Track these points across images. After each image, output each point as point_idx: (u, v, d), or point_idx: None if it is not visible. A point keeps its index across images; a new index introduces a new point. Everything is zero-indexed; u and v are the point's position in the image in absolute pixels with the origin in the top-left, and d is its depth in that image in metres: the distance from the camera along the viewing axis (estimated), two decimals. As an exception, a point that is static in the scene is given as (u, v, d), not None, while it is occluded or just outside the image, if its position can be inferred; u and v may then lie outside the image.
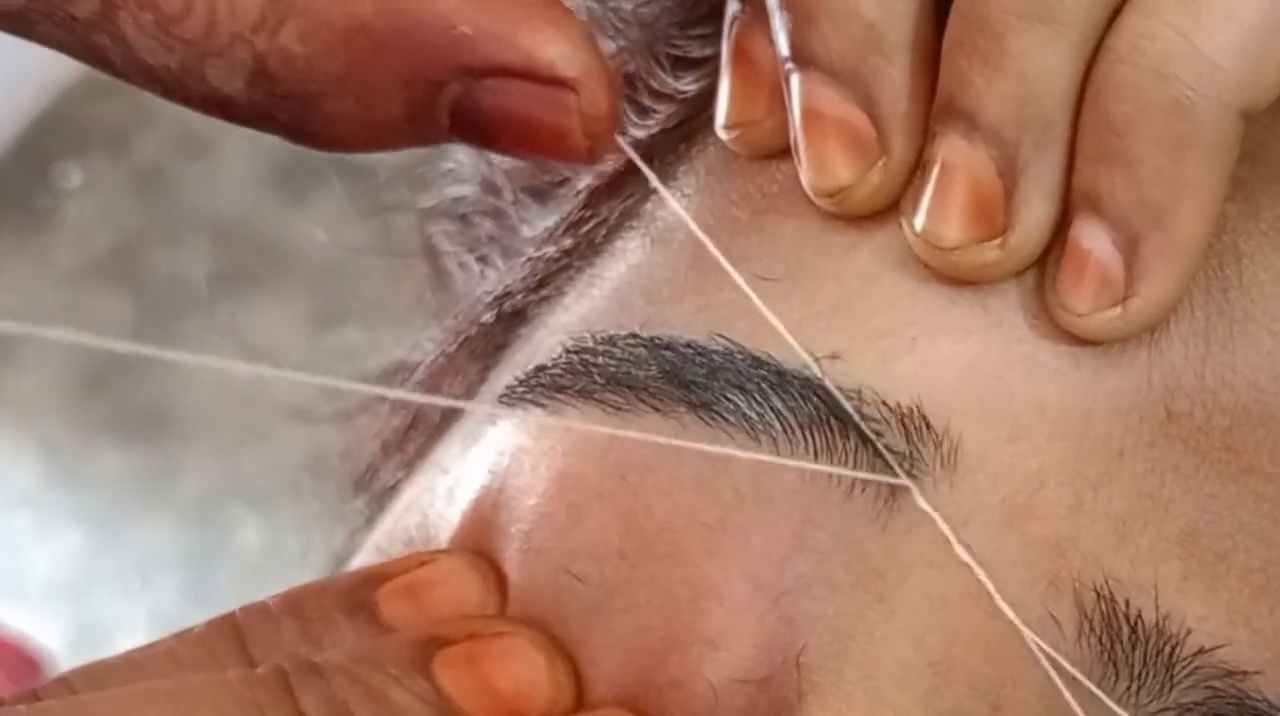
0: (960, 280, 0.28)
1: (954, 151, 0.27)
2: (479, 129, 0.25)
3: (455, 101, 0.24)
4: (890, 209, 0.28)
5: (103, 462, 1.52)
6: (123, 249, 1.59)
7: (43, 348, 1.55)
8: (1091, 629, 0.27)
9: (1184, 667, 0.27)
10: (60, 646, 1.36)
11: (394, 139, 0.25)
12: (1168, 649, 0.27)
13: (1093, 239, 0.27)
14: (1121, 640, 0.27)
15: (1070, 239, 0.27)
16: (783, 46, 0.28)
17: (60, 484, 1.52)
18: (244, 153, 1.62)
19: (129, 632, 1.43)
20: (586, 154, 0.25)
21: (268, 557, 1.40)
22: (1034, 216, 0.27)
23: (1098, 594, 0.27)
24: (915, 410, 0.27)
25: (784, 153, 0.29)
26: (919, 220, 0.27)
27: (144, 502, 1.50)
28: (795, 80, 0.28)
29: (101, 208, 1.63)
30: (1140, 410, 0.27)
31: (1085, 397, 0.27)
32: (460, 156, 0.39)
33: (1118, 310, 0.27)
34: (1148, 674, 0.27)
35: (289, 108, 0.24)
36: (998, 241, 0.27)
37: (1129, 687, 0.27)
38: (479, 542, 0.30)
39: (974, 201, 0.27)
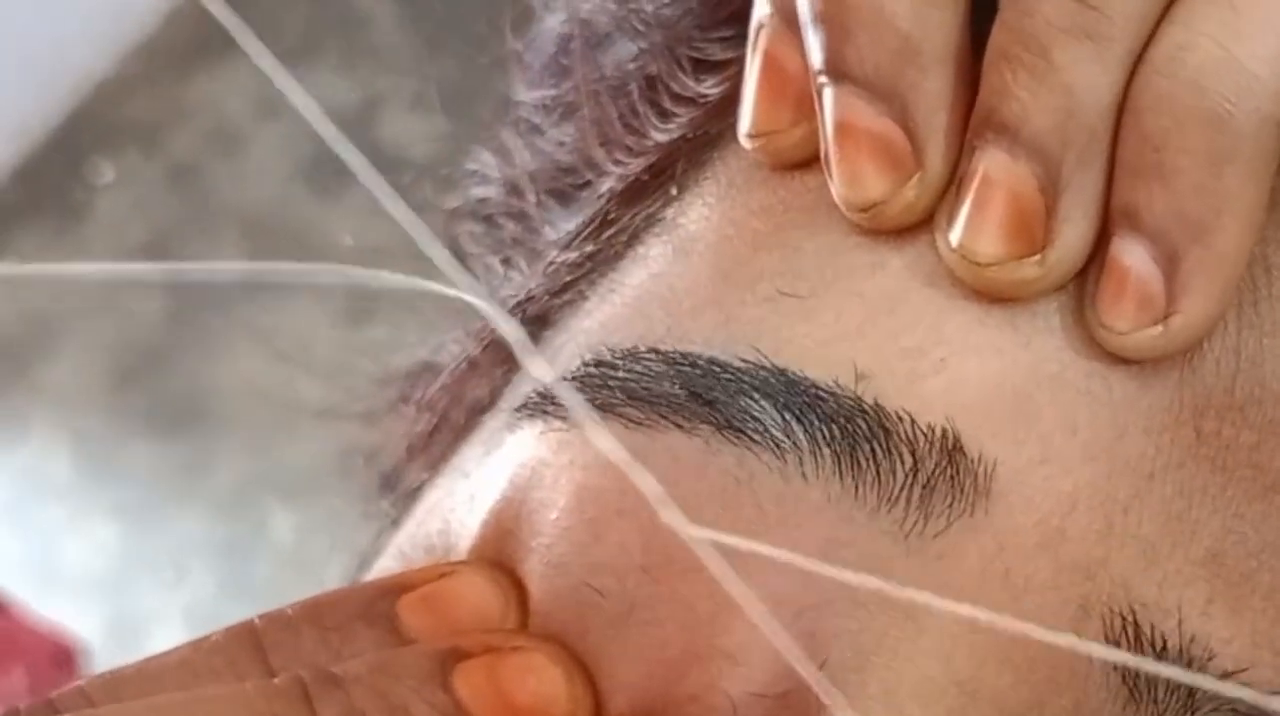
0: (994, 297, 0.27)
1: (995, 165, 0.26)
2: None
3: None
4: (918, 225, 0.28)
5: (137, 455, 1.52)
6: (155, 243, 1.60)
7: (78, 341, 1.56)
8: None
9: (1207, 693, 0.26)
10: (96, 639, 1.37)
11: None
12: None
13: (1132, 255, 0.26)
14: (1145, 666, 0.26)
15: (1109, 256, 0.27)
16: (816, 59, 0.28)
17: (94, 476, 1.53)
18: (275, 148, 1.63)
19: (164, 625, 1.44)
20: None
21: (302, 550, 1.41)
22: (1074, 233, 0.27)
23: (1124, 619, 0.26)
24: (949, 433, 0.27)
25: (808, 164, 0.29)
26: (955, 235, 0.27)
27: (178, 495, 1.50)
28: (828, 94, 0.27)
29: (134, 202, 1.63)
30: (1171, 430, 0.27)
31: (1117, 418, 0.27)
32: (485, 158, 0.38)
33: (1159, 328, 0.26)
34: (1171, 699, 0.26)
35: None
36: (1036, 258, 0.27)
37: (1153, 712, 0.26)
38: (500, 553, 0.30)
39: (1014, 216, 0.26)
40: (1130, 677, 0.26)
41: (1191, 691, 0.26)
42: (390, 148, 1.40)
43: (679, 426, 0.28)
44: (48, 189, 1.65)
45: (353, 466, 0.43)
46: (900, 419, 0.27)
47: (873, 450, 0.27)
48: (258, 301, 1.53)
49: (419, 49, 1.55)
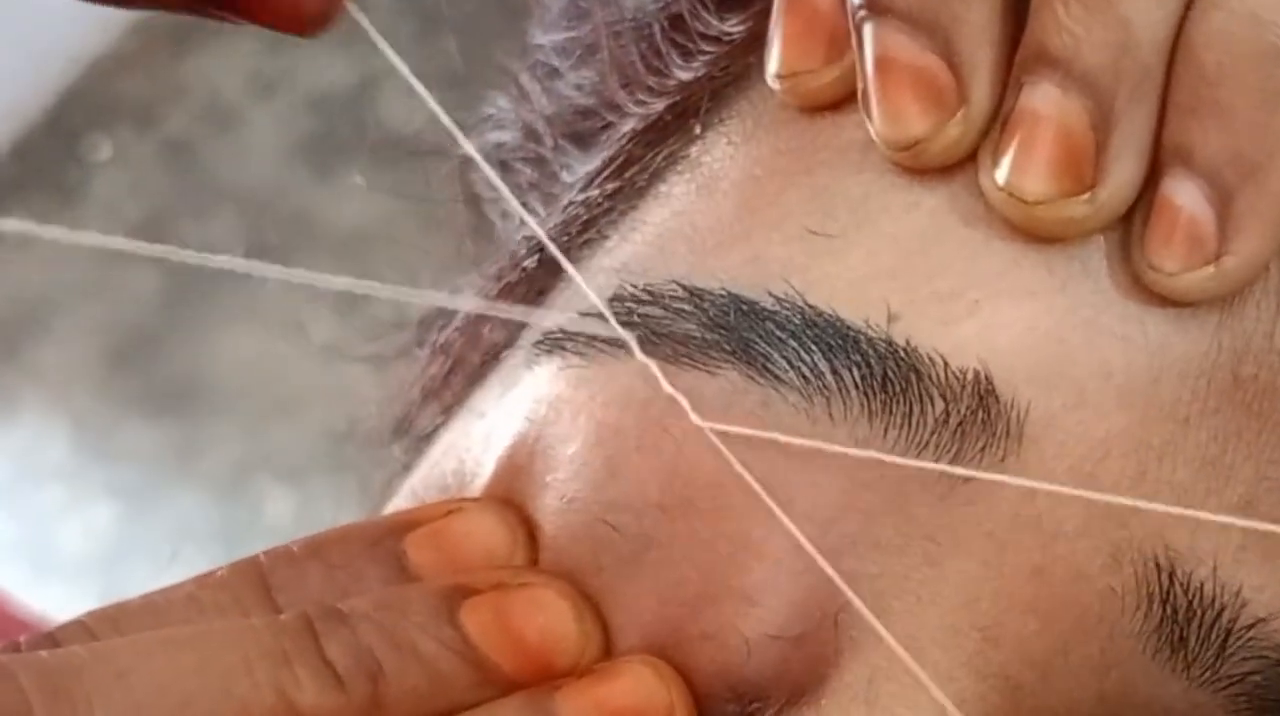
0: (1041, 236, 0.27)
1: (1045, 100, 0.26)
2: None
3: None
4: (954, 166, 0.27)
5: (133, 436, 1.52)
6: (151, 222, 1.59)
7: (72, 322, 1.55)
8: (1149, 601, 0.26)
9: (1238, 638, 0.26)
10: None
11: None
12: (1223, 620, 0.26)
13: (1184, 195, 0.26)
14: (1178, 614, 0.26)
15: (1160, 195, 0.26)
16: None
17: (91, 457, 1.52)
18: (270, 126, 1.62)
19: (158, 606, 1.43)
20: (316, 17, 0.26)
21: (299, 531, 1.40)
22: (1125, 171, 0.26)
23: (1158, 566, 0.26)
24: (982, 376, 0.26)
25: (839, 104, 0.28)
26: (1001, 173, 0.26)
27: (174, 476, 1.50)
28: (868, 28, 0.27)
29: (130, 181, 1.63)
30: (1208, 375, 0.26)
31: (1152, 363, 0.26)
32: (501, 102, 0.38)
33: (1210, 269, 0.26)
34: (1202, 646, 0.26)
35: None
36: (1085, 196, 0.26)
37: (1183, 660, 0.26)
38: (513, 490, 0.29)
39: (1063, 154, 0.26)
40: (1168, 622, 0.26)
41: (1225, 636, 0.26)
42: (392, 125, 1.40)
43: (703, 365, 0.27)
44: (43, 167, 1.64)
45: (352, 443, 0.43)
46: (932, 361, 0.26)
47: (903, 392, 0.26)
48: (253, 281, 1.52)
49: (417, 26, 1.55)
